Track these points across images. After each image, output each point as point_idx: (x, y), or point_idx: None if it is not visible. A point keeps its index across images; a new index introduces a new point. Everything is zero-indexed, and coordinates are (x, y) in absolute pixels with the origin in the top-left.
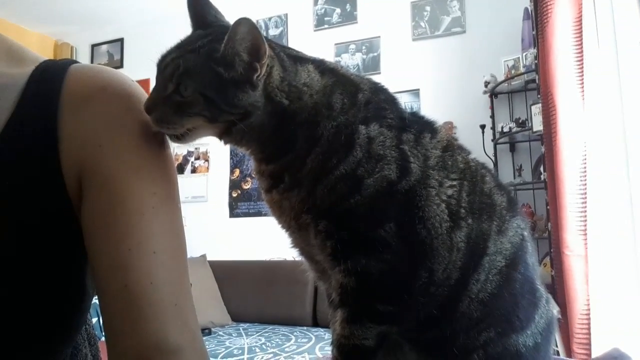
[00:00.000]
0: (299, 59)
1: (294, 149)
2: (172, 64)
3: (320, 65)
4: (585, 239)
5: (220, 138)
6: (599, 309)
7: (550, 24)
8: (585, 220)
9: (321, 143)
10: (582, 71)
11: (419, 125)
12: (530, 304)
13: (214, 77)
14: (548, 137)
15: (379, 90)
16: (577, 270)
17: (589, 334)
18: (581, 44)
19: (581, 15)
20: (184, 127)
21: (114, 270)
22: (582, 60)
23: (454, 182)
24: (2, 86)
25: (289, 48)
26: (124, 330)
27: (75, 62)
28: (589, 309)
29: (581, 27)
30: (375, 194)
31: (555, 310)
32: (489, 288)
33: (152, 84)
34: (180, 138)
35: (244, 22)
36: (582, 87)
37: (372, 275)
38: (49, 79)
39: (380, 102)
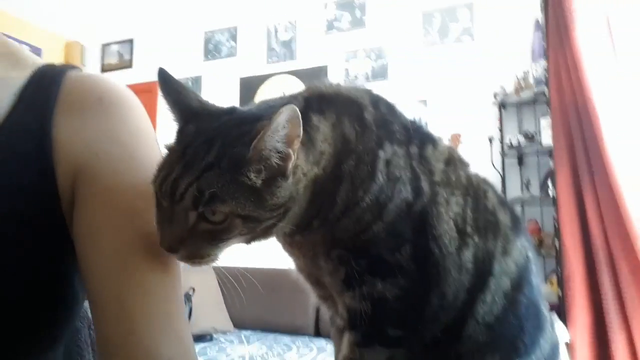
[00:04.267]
0: (308, 117)
1: (321, 197)
2: (190, 192)
3: (315, 104)
4: None
5: (250, 243)
6: None
7: (577, 30)
8: None
9: (346, 179)
10: (620, 73)
11: (420, 136)
12: (536, 328)
13: (247, 190)
14: (558, 150)
15: (377, 100)
16: None
17: None
18: (613, 46)
19: (608, 20)
20: (221, 252)
21: (105, 282)
22: (617, 62)
23: (459, 199)
24: (0, 89)
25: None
26: (115, 341)
27: (74, 67)
28: None
29: (611, 34)
30: (395, 218)
31: (565, 336)
32: (494, 310)
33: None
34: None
35: (287, 110)
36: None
37: (387, 300)
38: (46, 84)
39: (384, 115)
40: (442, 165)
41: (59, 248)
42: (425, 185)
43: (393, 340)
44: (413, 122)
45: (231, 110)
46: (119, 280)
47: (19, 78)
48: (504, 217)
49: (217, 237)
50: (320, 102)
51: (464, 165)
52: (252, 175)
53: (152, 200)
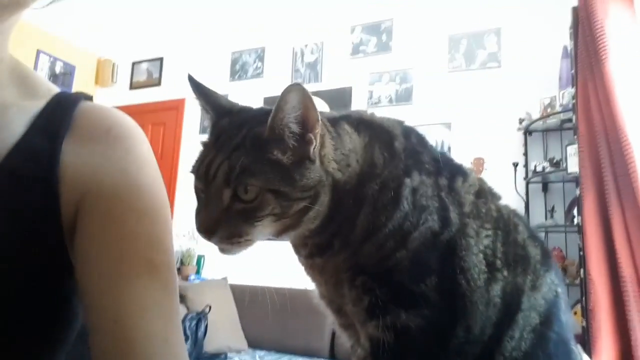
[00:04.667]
0: (333, 121)
1: (341, 214)
2: (222, 169)
3: (353, 122)
4: None
5: (282, 234)
6: None
7: (609, 60)
8: None
9: (368, 202)
10: None
11: (450, 168)
12: None
13: (274, 166)
14: (585, 178)
15: (409, 132)
16: None
17: None
18: None
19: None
20: (257, 234)
21: (103, 304)
22: None
23: (489, 232)
24: (13, 117)
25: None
26: None
27: (87, 97)
28: None
29: None
30: (420, 247)
31: None
32: (522, 346)
33: (187, 103)
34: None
35: (294, 88)
36: None
37: (411, 331)
38: (60, 113)
39: (415, 145)
40: (472, 198)
41: (59, 270)
42: (454, 216)
43: None
44: (443, 155)
45: (261, 107)
46: (118, 304)
47: (34, 107)
48: (534, 252)
49: (252, 215)
50: (358, 122)
51: (495, 197)
52: (277, 153)
53: (153, 226)
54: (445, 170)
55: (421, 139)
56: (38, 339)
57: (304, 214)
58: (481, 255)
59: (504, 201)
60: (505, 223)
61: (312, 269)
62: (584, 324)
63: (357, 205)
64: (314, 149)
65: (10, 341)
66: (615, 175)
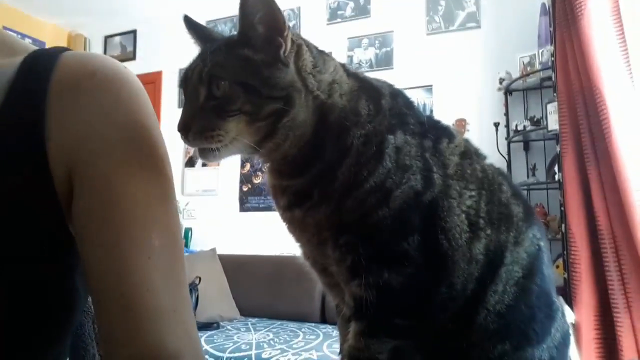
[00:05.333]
0: (324, 52)
1: (323, 160)
2: (197, 70)
3: (346, 67)
4: None
5: (261, 144)
6: None
7: (585, 17)
8: None
9: (351, 154)
10: (629, 62)
11: (436, 131)
12: (547, 317)
13: (243, 61)
14: (567, 135)
15: (396, 94)
16: None
17: None
18: (623, 34)
19: (618, 6)
20: (229, 131)
21: (108, 277)
22: (626, 50)
23: (473, 192)
24: None
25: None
26: (120, 339)
27: (68, 49)
28: None
29: (620, 18)
30: (402, 205)
31: (571, 317)
32: (505, 300)
33: (165, 76)
34: (217, 151)
35: None
36: (632, 77)
37: (393, 289)
38: (39, 68)
39: (401, 107)
40: (457, 159)
41: (58, 246)
42: (437, 177)
43: (400, 330)
44: (430, 118)
45: None
46: (122, 276)
47: (9, 66)
48: (517, 209)
49: (224, 109)
50: (350, 71)
51: (481, 158)
52: (247, 50)
53: (153, 188)
54: (431, 132)
55: (408, 102)
56: (41, 319)
57: (278, 119)
58: (463, 216)
59: (496, 167)
60: (489, 183)
61: (292, 224)
62: (566, 276)
63: (340, 154)
64: (284, 52)
65: (14, 323)
66: (592, 133)
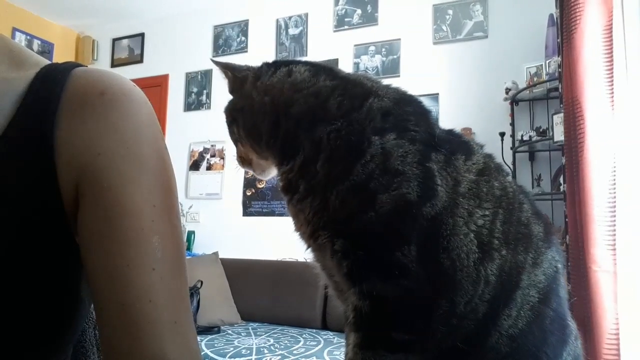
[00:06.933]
0: (286, 63)
1: (302, 151)
2: None
3: (317, 66)
4: (614, 254)
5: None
6: (629, 329)
7: (578, 30)
8: (614, 234)
9: (323, 148)
10: (612, 79)
11: (451, 145)
12: (560, 341)
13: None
14: (569, 147)
15: (406, 101)
16: (605, 287)
17: (619, 354)
18: (611, 51)
19: (611, 23)
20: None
21: (111, 287)
22: (612, 68)
23: (487, 212)
24: (2, 91)
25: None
26: (122, 349)
27: (79, 65)
28: (618, 328)
29: (611, 35)
30: (392, 212)
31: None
32: (519, 324)
33: (171, 79)
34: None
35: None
36: (612, 96)
37: (387, 301)
38: (50, 84)
39: (405, 113)
40: (473, 177)
41: (63, 255)
42: (442, 190)
43: (398, 344)
44: (450, 132)
45: None
46: (125, 287)
47: (21, 79)
48: (537, 229)
49: None
50: (322, 70)
51: (501, 175)
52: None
53: (158, 201)
54: (444, 145)
55: (421, 112)
56: (41, 321)
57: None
58: (472, 235)
59: (518, 185)
60: (509, 202)
61: (293, 218)
62: (570, 288)
63: (314, 148)
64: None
65: (16, 330)
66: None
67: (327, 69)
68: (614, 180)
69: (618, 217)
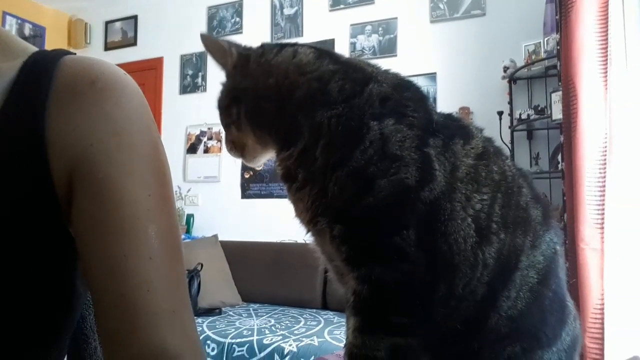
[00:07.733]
0: (290, 45)
1: (302, 138)
2: None
3: (321, 50)
4: (602, 233)
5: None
6: (613, 304)
7: (575, 7)
8: (603, 213)
9: (323, 134)
10: (606, 59)
11: (449, 130)
12: (559, 321)
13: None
14: (567, 125)
15: (404, 87)
16: (592, 264)
17: (602, 328)
18: (606, 31)
19: (607, 1)
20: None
21: (108, 278)
22: (606, 48)
23: (485, 197)
24: None
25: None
26: (121, 339)
27: (69, 52)
28: (603, 304)
29: (607, 13)
30: (390, 197)
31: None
32: (518, 305)
33: (166, 62)
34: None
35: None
36: (605, 76)
37: (386, 285)
38: (39, 73)
39: (403, 99)
40: (472, 161)
41: (58, 246)
42: (439, 175)
43: (396, 327)
44: (448, 116)
45: None
46: (123, 277)
47: (9, 69)
48: (535, 213)
49: None
50: (325, 54)
51: (500, 159)
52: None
53: (153, 189)
54: (442, 131)
55: (419, 98)
56: (35, 313)
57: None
58: (469, 220)
59: (519, 169)
60: (507, 186)
61: (294, 205)
62: (567, 265)
63: (314, 134)
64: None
65: (12, 322)
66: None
67: (329, 53)
68: (604, 159)
69: (607, 196)
